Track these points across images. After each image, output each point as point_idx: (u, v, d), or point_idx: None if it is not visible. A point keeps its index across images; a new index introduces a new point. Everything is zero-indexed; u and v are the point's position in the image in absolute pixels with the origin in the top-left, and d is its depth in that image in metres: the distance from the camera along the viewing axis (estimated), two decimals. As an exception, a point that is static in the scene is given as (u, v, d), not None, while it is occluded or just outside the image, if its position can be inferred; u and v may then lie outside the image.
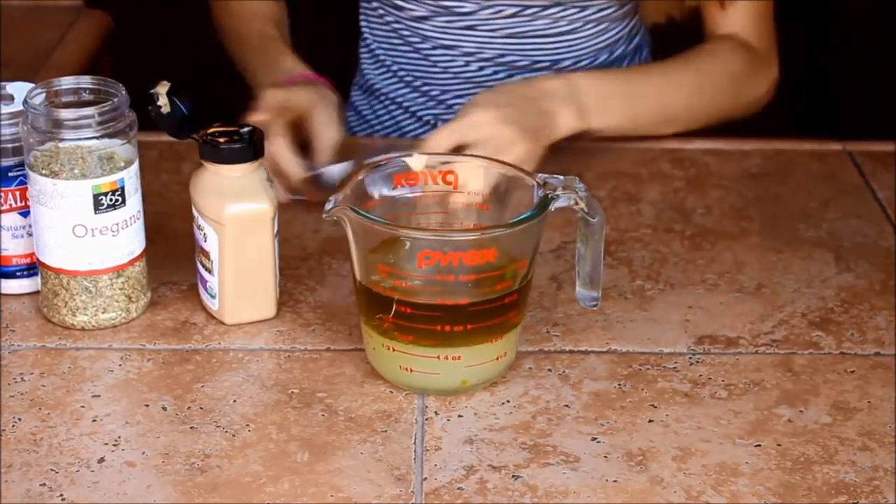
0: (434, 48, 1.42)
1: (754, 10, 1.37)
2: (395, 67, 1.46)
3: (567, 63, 1.41)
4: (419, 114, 1.46)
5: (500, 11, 1.37)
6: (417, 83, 1.45)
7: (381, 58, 1.47)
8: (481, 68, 1.41)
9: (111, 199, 0.99)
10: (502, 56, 1.40)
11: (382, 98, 1.49)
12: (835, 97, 2.23)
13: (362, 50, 1.50)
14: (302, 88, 1.24)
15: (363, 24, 1.49)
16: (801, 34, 2.16)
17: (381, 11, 1.45)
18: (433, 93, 1.44)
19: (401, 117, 1.48)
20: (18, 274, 1.06)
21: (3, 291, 1.06)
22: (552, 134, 1.22)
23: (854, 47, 2.17)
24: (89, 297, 1.01)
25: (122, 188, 0.99)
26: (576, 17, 1.39)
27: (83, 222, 0.99)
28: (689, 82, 1.33)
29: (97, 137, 0.98)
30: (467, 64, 1.41)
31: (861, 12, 2.14)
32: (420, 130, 1.46)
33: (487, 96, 1.22)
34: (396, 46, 1.45)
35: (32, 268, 1.05)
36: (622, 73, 1.36)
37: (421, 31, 1.42)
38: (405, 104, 1.47)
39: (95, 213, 0.99)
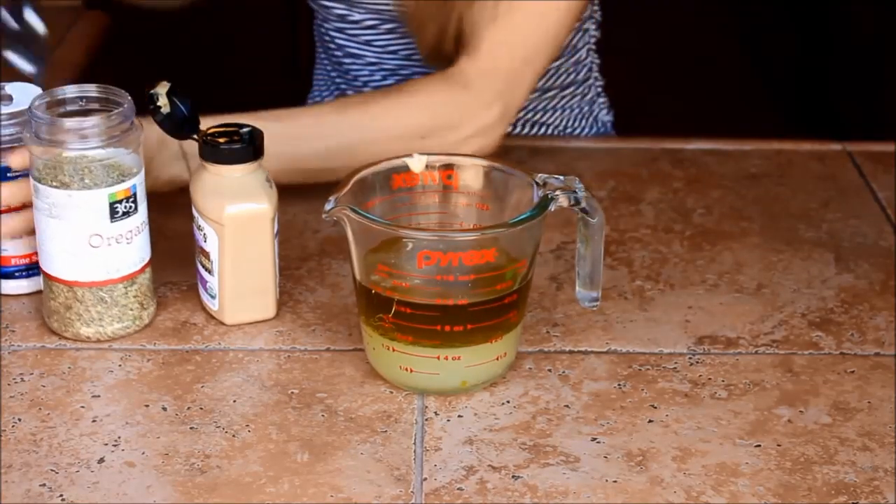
0: (344, 56, 1.42)
1: (483, 45, 1.22)
2: (333, 73, 1.47)
3: None
4: None
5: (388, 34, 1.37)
6: (343, 87, 1.46)
7: (325, 63, 1.48)
8: (385, 77, 1.41)
9: (126, 207, 0.99)
10: (402, 69, 1.40)
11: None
12: (835, 97, 2.23)
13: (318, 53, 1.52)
14: None
15: (314, 30, 1.50)
16: (801, 34, 2.17)
17: (323, 29, 1.46)
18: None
19: None
20: (17, 274, 1.06)
21: (3, 292, 1.06)
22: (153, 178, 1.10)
23: (854, 47, 2.18)
24: (105, 307, 1.00)
25: (135, 194, 0.99)
26: None
27: (99, 231, 0.98)
28: (355, 130, 1.20)
29: (102, 147, 0.97)
30: (372, 74, 1.41)
31: (861, 12, 2.14)
32: None
33: None
34: (328, 50, 1.46)
35: (32, 268, 1.05)
36: (283, 116, 1.20)
37: (336, 39, 1.42)
38: None
39: (111, 221, 0.98)
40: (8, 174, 1.03)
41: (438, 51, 1.29)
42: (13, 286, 1.06)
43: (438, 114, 1.23)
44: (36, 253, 1.03)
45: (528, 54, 1.24)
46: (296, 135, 1.18)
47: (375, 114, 1.21)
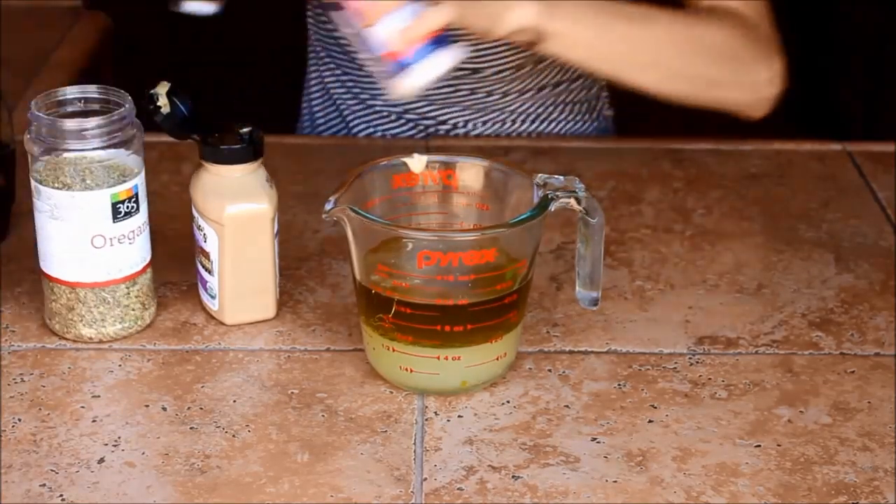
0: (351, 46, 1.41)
1: None
2: (342, 76, 1.46)
3: (490, 70, 1.39)
4: (354, 118, 1.46)
5: None
6: (356, 90, 1.45)
7: (328, 63, 1.47)
8: None
9: (128, 207, 0.99)
10: None
11: (335, 100, 1.48)
12: (835, 97, 2.23)
13: (310, 57, 1.50)
14: None
15: (310, 30, 1.49)
16: (801, 34, 2.16)
17: (323, 18, 1.45)
18: (362, 96, 1.44)
19: (350, 119, 1.48)
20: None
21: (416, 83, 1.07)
22: (501, 21, 1.15)
23: (854, 47, 2.17)
24: (107, 308, 1.00)
25: (137, 194, 0.99)
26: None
27: (102, 232, 0.98)
28: (681, 34, 1.23)
29: (103, 148, 0.97)
30: None
31: (861, 12, 2.14)
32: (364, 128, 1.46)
33: None
34: (328, 47, 1.45)
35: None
36: None
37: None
38: (346, 109, 1.47)
39: (114, 221, 0.98)
40: None
41: None
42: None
43: (738, 44, 1.25)
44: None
45: (771, 13, 1.28)
46: (630, 13, 1.21)
47: (689, 17, 1.24)
